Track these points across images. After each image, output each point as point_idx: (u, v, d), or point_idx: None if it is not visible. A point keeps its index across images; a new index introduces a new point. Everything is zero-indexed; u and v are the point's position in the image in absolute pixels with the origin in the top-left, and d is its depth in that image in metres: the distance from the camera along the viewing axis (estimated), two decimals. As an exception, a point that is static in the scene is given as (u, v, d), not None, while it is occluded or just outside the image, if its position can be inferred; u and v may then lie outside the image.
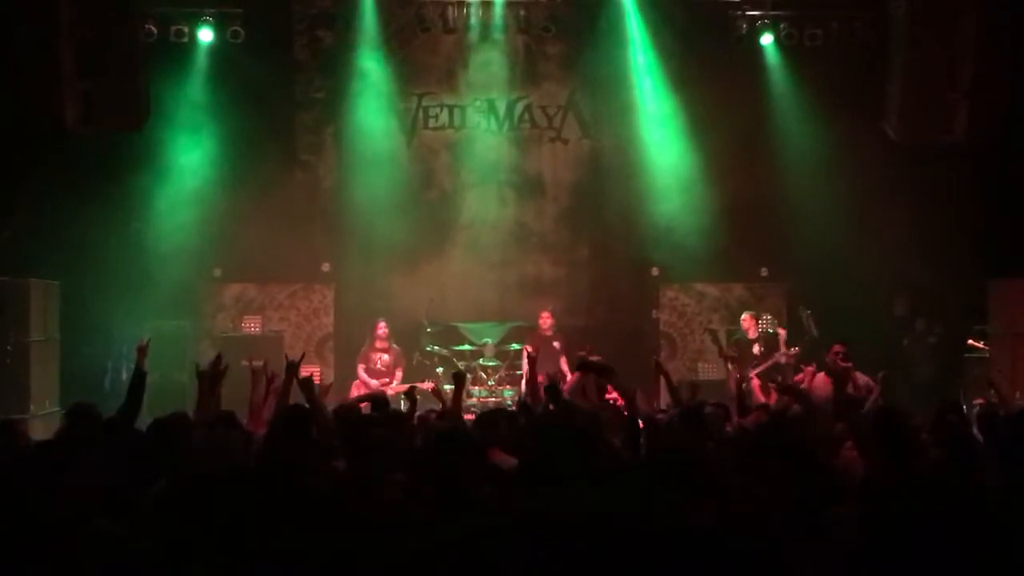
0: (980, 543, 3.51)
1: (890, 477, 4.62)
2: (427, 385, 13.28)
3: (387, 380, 13.30)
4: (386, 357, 13.42)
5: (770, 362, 12.82)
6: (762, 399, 12.29)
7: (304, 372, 12.74)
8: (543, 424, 5.20)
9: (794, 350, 12.79)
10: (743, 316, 13.57)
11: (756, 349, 13.11)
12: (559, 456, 4.48)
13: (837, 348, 9.95)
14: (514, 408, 8.55)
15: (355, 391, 12.56)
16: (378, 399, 7.64)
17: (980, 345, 13.22)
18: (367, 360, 13.48)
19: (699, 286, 14.91)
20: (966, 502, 3.80)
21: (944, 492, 3.87)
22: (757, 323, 13.41)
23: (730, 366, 12.58)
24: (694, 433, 6.21)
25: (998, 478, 4.83)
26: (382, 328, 13.46)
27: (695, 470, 4.18)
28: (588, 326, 14.51)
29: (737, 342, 13.39)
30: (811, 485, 4.29)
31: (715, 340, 14.34)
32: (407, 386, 12.98)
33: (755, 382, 12.66)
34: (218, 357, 7.33)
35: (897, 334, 14.20)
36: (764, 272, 14.78)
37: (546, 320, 13.50)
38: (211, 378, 7.10)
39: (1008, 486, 4.52)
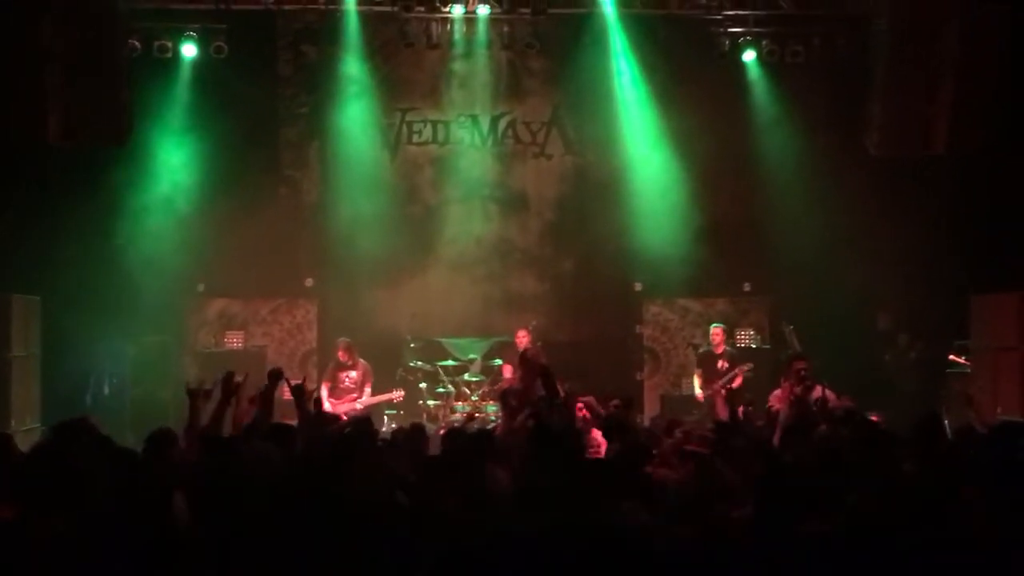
0: (956, 556, 3.54)
1: (867, 491, 4.63)
2: (397, 395, 13.20)
3: (355, 396, 13.00)
4: (354, 374, 13.04)
5: (729, 376, 12.82)
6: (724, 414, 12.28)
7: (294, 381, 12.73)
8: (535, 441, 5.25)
9: (749, 365, 12.78)
10: (714, 328, 13.51)
11: (720, 364, 13.08)
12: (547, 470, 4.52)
13: (799, 365, 9.92)
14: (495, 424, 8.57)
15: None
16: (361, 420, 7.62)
17: (961, 360, 13.26)
18: (334, 379, 13.05)
19: (682, 301, 14.93)
20: (942, 516, 3.82)
21: (920, 506, 3.89)
22: (726, 337, 13.42)
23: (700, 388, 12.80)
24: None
25: (976, 492, 4.84)
26: (341, 354, 13.05)
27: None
28: (572, 341, 14.52)
29: (703, 356, 13.38)
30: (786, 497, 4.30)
31: (698, 354, 14.36)
32: (376, 399, 12.91)
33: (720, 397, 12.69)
34: (230, 374, 7.23)
35: (879, 349, 14.24)
36: (747, 287, 14.82)
37: (522, 339, 13.41)
38: (224, 393, 7.06)
39: (986, 500, 4.53)
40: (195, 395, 7.09)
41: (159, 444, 5.87)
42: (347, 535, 4.05)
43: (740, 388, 12.53)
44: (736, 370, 12.87)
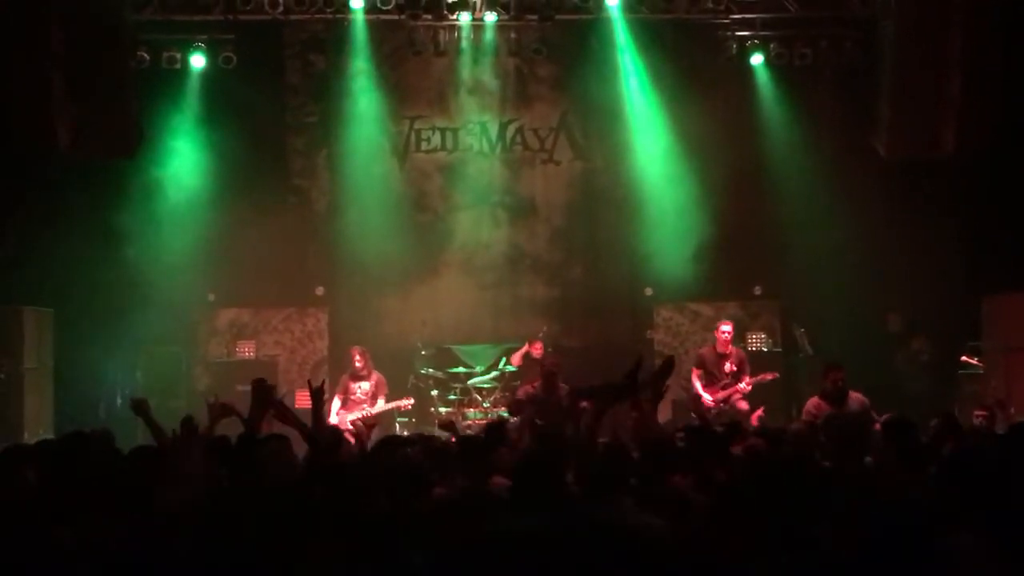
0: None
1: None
2: (407, 403, 13.08)
3: (364, 406, 12.69)
4: (366, 385, 12.77)
5: (736, 388, 12.23)
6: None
7: (302, 393, 12.68)
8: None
9: (765, 376, 12.42)
10: (722, 325, 12.69)
11: (728, 367, 12.37)
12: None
13: (836, 375, 9.79)
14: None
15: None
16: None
17: (974, 361, 13.22)
18: (346, 390, 12.74)
19: (693, 305, 14.87)
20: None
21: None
22: (732, 336, 12.67)
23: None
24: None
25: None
26: (358, 359, 12.82)
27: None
28: (582, 347, 14.50)
29: (704, 355, 12.63)
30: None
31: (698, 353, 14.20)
32: (386, 407, 12.68)
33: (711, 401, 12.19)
34: (260, 381, 7.17)
35: (890, 350, 14.20)
36: (758, 290, 14.77)
37: (537, 349, 13.37)
38: (257, 401, 7.04)
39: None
40: (215, 409, 7.10)
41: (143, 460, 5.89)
42: (350, 543, 4.06)
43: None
44: (735, 388, 12.22)
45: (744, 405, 12.13)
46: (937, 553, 3.73)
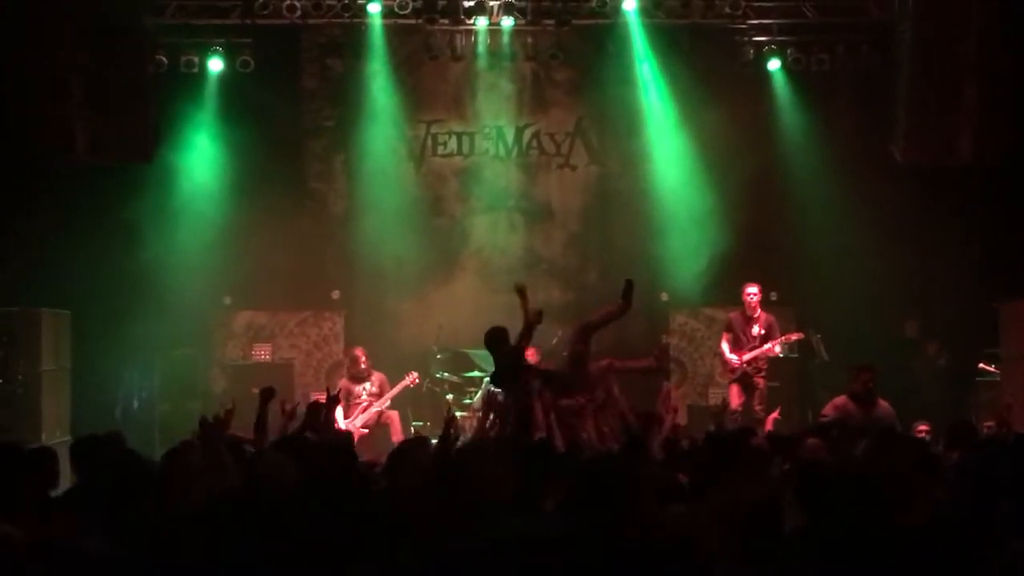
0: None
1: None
2: (412, 378, 13.08)
3: (367, 405, 12.77)
4: (370, 385, 12.86)
5: (764, 349, 12.35)
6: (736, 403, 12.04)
7: (318, 396, 12.74)
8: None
9: (791, 336, 12.61)
10: (749, 288, 12.62)
11: (756, 330, 12.41)
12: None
13: (866, 376, 9.78)
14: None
15: None
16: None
17: (991, 368, 13.15)
18: (348, 395, 12.70)
19: (708, 311, 14.82)
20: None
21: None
22: (762, 298, 12.64)
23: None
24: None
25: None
26: (363, 358, 12.91)
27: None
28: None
29: (734, 319, 12.64)
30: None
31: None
32: (393, 392, 12.73)
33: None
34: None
35: (908, 357, 14.14)
36: (774, 296, 14.68)
37: (531, 355, 13.42)
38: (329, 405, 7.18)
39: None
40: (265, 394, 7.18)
41: (175, 459, 5.92)
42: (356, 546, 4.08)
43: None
44: (767, 348, 12.37)
45: (760, 410, 12.15)
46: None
